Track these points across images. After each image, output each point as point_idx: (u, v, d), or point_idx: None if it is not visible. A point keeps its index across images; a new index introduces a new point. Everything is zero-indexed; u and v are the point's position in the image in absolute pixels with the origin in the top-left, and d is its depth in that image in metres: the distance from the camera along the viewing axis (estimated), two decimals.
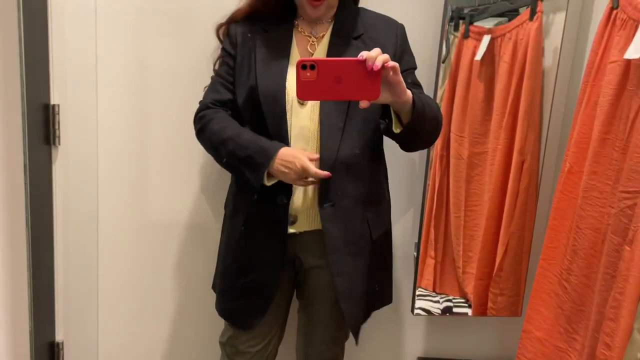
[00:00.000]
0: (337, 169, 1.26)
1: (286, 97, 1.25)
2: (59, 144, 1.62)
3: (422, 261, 1.64)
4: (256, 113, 1.28)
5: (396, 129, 1.22)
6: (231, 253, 1.38)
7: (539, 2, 1.47)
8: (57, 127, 1.60)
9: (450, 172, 1.61)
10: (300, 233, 1.31)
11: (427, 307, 1.67)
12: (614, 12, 1.22)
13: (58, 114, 1.60)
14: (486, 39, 1.52)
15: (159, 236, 1.70)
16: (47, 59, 1.56)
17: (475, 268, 1.63)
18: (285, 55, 1.29)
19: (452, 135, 1.58)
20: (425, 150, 1.57)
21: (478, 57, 1.53)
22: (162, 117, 1.63)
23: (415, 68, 1.38)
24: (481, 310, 1.66)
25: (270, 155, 1.22)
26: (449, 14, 1.50)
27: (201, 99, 1.38)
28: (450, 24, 1.51)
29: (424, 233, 1.62)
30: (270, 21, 1.33)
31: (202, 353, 1.76)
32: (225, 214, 1.45)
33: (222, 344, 1.45)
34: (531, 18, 1.48)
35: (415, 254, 1.66)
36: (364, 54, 1.03)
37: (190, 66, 1.57)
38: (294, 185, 1.27)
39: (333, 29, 1.32)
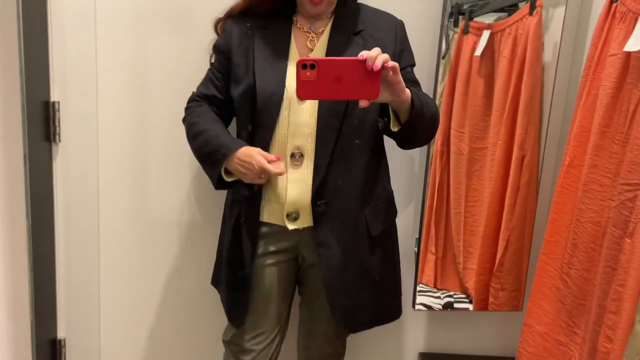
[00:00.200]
0: (334, 165, 1.26)
1: (284, 94, 1.25)
2: (59, 141, 1.63)
3: (423, 257, 1.64)
4: (250, 108, 1.28)
5: (394, 128, 1.22)
6: (224, 248, 1.40)
7: None
8: (57, 124, 1.60)
9: (450, 168, 1.61)
10: (303, 229, 1.31)
11: (428, 303, 1.67)
12: (614, 5, 1.22)
13: (58, 111, 1.60)
14: (486, 34, 1.52)
15: (160, 233, 1.70)
16: (47, 56, 1.56)
17: (476, 263, 1.63)
18: (284, 52, 1.29)
19: (452, 131, 1.58)
20: (426, 147, 1.57)
21: (478, 52, 1.53)
22: (162, 114, 1.63)
23: (414, 65, 1.38)
24: (482, 305, 1.66)
25: (226, 153, 1.24)
26: (449, 9, 1.51)
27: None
28: (450, 19, 1.52)
29: (424, 229, 1.62)
30: (269, 17, 1.33)
31: (203, 349, 1.76)
32: (224, 209, 1.46)
33: (226, 343, 1.44)
34: (531, 13, 1.48)
35: (415, 249, 1.66)
36: (364, 54, 1.03)
37: (190, 63, 1.57)
38: (292, 186, 1.27)
39: (333, 24, 1.32)
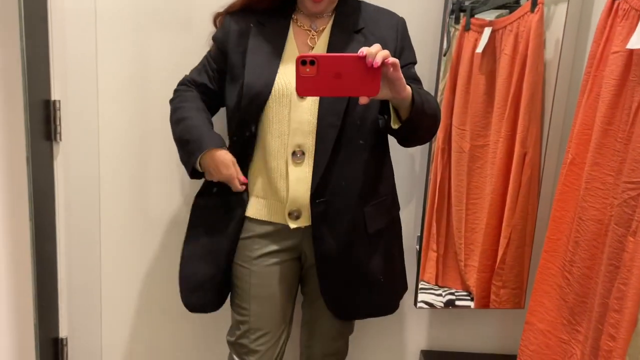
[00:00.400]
0: (334, 163, 1.26)
1: (272, 93, 1.25)
2: (60, 140, 1.62)
3: (425, 254, 1.64)
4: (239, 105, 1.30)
5: (394, 125, 1.21)
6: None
7: None
8: (58, 123, 1.60)
9: (451, 165, 1.61)
10: (305, 227, 1.31)
11: (430, 301, 1.67)
12: (616, 2, 1.21)
13: (59, 110, 1.60)
14: (487, 31, 1.52)
15: (161, 231, 1.70)
16: (48, 55, 1.56)
17: (477, 261, 1.63)
18: (279, 51, 1.28)
19: (453, 129, 1.58)
20: (427, 144, 1.57)
21: (479, 49, 1.53)
22: (162, 112, 1.61)
23: (415, 63, 1.37)
24: (484, 302, 1.66)
25: (202, 149, 1.27)
26: (450, 6, 1.50)
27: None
28: (451, 16, 1.51)
29: (426, 226, 1.62)
30: (268, 14, 1.32)
31: (205, 348, 1.76)
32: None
33: (231, 343, 1.42)
34: (532, 10, 1.48)
35: (417, 247, 1.66)
36: (364, 50, 1.02)
37: (190, 63, 1.55)
38: (293, 185, 1.28)
39: (334, 22, 1.31)
